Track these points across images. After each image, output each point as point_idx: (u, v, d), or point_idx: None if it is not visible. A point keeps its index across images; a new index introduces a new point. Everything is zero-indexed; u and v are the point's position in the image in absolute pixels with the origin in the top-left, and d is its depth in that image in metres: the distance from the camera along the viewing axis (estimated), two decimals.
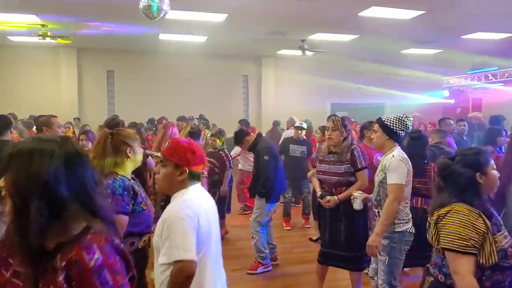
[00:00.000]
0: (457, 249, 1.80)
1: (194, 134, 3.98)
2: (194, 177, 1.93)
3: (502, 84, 11.50)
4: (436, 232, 1.90)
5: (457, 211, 1.86)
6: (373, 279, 3.07)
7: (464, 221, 1.82)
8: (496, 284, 1.82)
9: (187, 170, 1.86)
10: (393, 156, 2.85)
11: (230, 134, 6.83)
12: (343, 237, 3.43)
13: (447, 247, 1.83)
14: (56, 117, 4.15)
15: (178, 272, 1.69)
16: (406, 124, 2.92)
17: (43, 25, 8.50)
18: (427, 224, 2.05)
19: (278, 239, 5.28)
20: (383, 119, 2.96)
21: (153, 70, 12.52)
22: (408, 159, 2.88)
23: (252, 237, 4.46)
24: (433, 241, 1.95)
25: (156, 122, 8.73)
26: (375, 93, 13.75)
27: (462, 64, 12.96)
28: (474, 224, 1.80)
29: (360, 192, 3.17)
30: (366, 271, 3.51)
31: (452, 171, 1.94)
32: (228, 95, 13.17)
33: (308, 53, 10.95)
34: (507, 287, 1.83)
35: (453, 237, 1.82)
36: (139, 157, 2.49)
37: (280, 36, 10.10)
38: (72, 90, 12.01)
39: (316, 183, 3.70)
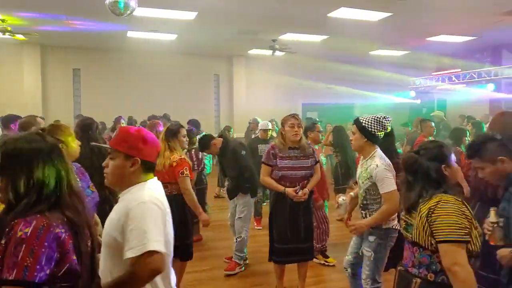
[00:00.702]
0: (457, 239, 1.74)
1: (172, 132, 3.85)
2: (149, 168, 1.75)
3: (465, 85, 11.93)
4: (428, 226, 1.81)
5: (447, 201, 1.82)
6: (347, 270, 3.16)
7: (456, 209, 1.79)
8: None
9: (139, 160, 1.68)
10: (377, 166, 2.82)
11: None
12: (303, 229, 3.59)
13: (446, 239, 1.75)
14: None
15: (147, 265, 1.52)
16: (384, 125, 2.89)
17: (3, 20, 8.14)
18: (404, 223, 2.00)
19: (250, 238, 5.28)
20: (361, 121, 2.91)
21: (121, 69, 12.24)
22: (390, 162, 2.88)
23: (239, 236, 4.40)
24: (420, 237, 1.85)
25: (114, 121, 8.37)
26: (345, 93, 13.98)
27: (427, 65, 13.38)
28: (464, 211, 1.79)
29: (344, 198, 3.17)
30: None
31: (420, 165, 1.94)
32: (199, 95, 13.05)
33: (279, 53, 10.99)
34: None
35: (451, 227, 1.75)
36: (73, 151, 2.53)
37: (251, 35, 10.10)
38: (35, 88, 11.56)
39: (272, 181, 3.56)
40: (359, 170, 3.05)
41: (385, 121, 2.89)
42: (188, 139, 5.54)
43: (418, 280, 1.89)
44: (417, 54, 12.20)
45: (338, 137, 6.19)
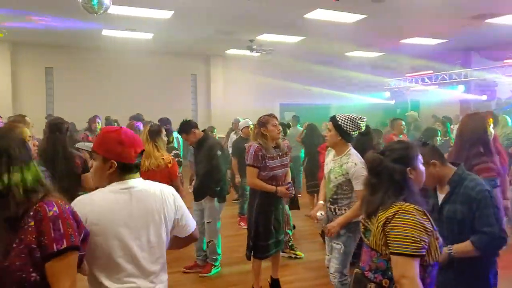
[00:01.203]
0: (409, 253, 1.67)
1: (155, 132, 3.82)
2: (129, 169, 1.74)
3: (437, 86, 12.27)
4: (383, 236, 1.74)
5: (406, 211, 1.73)
6: (328, 268, 3.23)
7: (414, 222, 1.70)
8: (433, 279, 1.82)
9: (116, 163, 1.70)
10: (355, 164, 2.93)
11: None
12: (282, 221, 3.81)
13: (399, 251, 1.69)
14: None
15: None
16: (359, 125, 2.99)
17: None
18: (363, 227, 1.92)
19: (234, 237, 5.31)
20: (337, 119, 3.01)
21: (96, 68, 11.99)
22: (360, 160, 2.95)
23: (211, 241, 4.34)
24: (376, 245, 1.78)
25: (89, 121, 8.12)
26: (322, 94, 14.13)
27: (401, 67, 13.68)
28: (423, 224, 1.70)
29: (322, 213, 3.16)
30: None
31: (385, 167, 1.81)
32: (176, 94, 12.92)
33: (256, 53, 11.02)
34: (432, 282, 1.82)
35: (406, 241, 1.68)
36: None
37: (228, 35, 10.09)
38: (5, 87, 11.18)
39: (262, 183, 3.58)
40: (331, 166, 3.13)
41: (360, 121, 2.99)
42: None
43: (373, 285, 1.82)
44: (392, 55, 12.47)
45: (309, 134, 6.34)
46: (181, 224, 1.85)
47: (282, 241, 3.86)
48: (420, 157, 1.91)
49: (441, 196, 2.31)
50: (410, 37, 10.31)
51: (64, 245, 1.34)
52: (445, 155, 2.65)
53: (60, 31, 9.52)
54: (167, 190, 1.84)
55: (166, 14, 8.13)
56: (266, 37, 10.24)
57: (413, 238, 1.67)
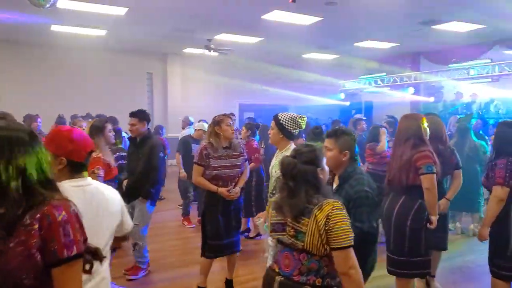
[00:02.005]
0: (351, 244, 1.80)
1: (97, 128, 3.65)
2: (78, 168, 1.81)
3: (389, 88, 12.76)
4: (324, 233, 1.79)
5: (338, 207, 1.83)
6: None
7: (346, 215, 1.84)
8: None
9: (65, 160, 1.76)
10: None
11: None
12: (235, 222, 3.78)
13: (345, 245, 1.78)
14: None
15: None
16: (299, 123, 3.15)
17: None
18: (292, 230, 1.87)
19: (183, 240, 5.22)
20: (279, 117, 3.17)
21: (45, 64, 11.42)
22: None
23: (136, 243, 4.20)
24: (312, 245, 1.81)
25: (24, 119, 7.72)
26: (280, 95, 14.29)
27: (356, 69, 14.11)
28: (348, 216, 1.86)
29: (261, 219, 3.19)
30: None
31: (299, 170, 1.88)
32: (131, 93, 12.57)
33: (214, 52, 10.96)
34: None
35: (347, 233, 1.80)
36: None
37: (185, 33, 9.96)
38: None
39: (205, 181, 3.60)
40: (273, 162, 3.29)
41: (300, 120, 3.17)
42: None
43: None
44: (347, 57, 12.84)
45: (263, 135, 6.47)
46: (122, 223, 1.97)
47: (237, 243, 3.82)
48: (324, 158, 2.03)
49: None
50: (363, 40, 10.66)
51: (75, 251, 1.32)
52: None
53: (4, 25, 8.99)
54: (113, 190, 1.95)
55: (120, 11, 7.89)
56: (224, 37, 10.20)
57: (349, 230, 1.81)
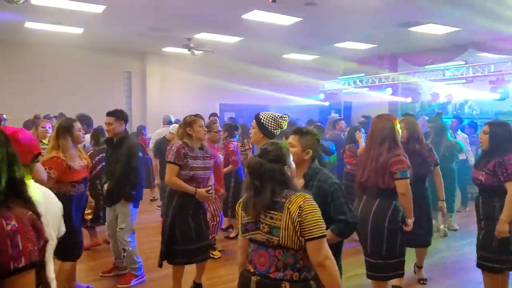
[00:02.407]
0: (324, 234, 1.83)
1: (64, 129, 3.54)
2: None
3: (368, 89, 12.94)
4: (298, 225, 1.81)
5: (309, 198, 1.87)
6: None
7: (316, 206, 1.87)
8: None
9: None
10: None
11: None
12: (204, 228, 3.73)
13: (318, 235, 1.81)
14: None
15: None
16: (281, 124, 3.10)
17: None
18: (267, 227, 1.87)
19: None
20: (260, 117, 3.13)
21: (18, 63, 11.05)
22: None
23: (124, 249, 4.09)
24: (288, 238, 1.82)
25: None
26: (261, 95, 14.29)
27: (335, 69, 14.25)
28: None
29: None
30: None
31: (266, 169, 1.89)
32: (109, 92, 12.32)
33: (194, 52, 10.87)
34: None
35: (319, 224, 1.82)
36: None
37: (164, 33, 9.84)
38: None
39: (181, 182, 3.51)
40: None
41: (281, 120, 3.12)
42: (94, 139, 5.24)
43: (287, 284, 1.85)
44: (326, 58, 12.94)
45: (244, 134, 6.48)
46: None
47: (205, 248, 3.77)
48: (291, 156, 2.05)
49: None
50: (343, 41, 10.76)
51: (23, 263, 1.25)
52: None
53: None
54: (50, 194, 1.90)
55: (98, 9, 7.72)
56: (204, 36, 10.13)
57: (321, 220, 1.85)
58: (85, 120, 6.95)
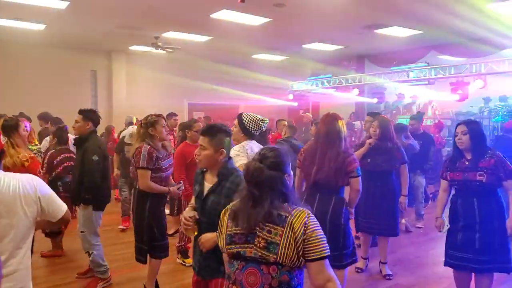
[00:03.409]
0: (328, 255, 1.68)
1: (10, 127, 3.43)
2: None
3: (335, 89, 13.18)
4: (301, 243, 1.64)
5: (311, 215, 1.71)
6: None
7: (318, 224, 1.72)
8: None
9: None
10: (233, 149, 3.14)
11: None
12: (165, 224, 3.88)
13: (323, 255, 1.66)
14: None
15: None
16: (261, 126, 3.29)
17: None
18: (263, 241, 1.67)
19: (127, 243, 5.04)
20: (242, 117, 3.29)
21: None
22: (249, 149, 3.20)
23: (89, 252, 3.99)
24: (287, 256, 1.64)
25: None
26: (230, 95, 14.26)
27: (303, 70, 14.43)
28: None
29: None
30: None
31: (267, 176, 1.71)
32: (73, 91, 11.92)
33: (162, 50, 10.71)
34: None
35: (323, 243, 1.67)
36: None
37: (131, 30, 9.64)
38: None
39: (156, 185, 3.55)
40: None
41: (261, 123, 3.29)
42: (58, 139, 5.06)
43: None
44: (295, 59, 13.08)
45: None
46: (49, 212, 1.98)
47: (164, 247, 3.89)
48: (289, 163, 1.86)
49: (207, 186, 2.37)
50: (311, 42, 10.91)
51: None
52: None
53: None
54: (27, 181, 1.92)
55: (61, 5, 7.47)
56: (172, 35, 10.00)
57: (325, 240, 1.69)
58: (48, 119, 6.81)
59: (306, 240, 1.64)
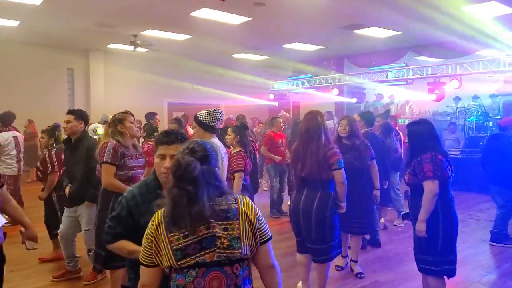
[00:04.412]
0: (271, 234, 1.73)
1: None
2: None
3: (315, 89, 13.27)
4: (257, 231, 1.66)
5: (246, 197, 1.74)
6: None
7: None
8: None
9: None
10: None
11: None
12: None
13: (270, 235, 1.70)
14: None
15: None
16: (216, 116, 3.36)
17: None
18: (226, 241, 1.58)
19: None
20: (198, 115, 3.38)
21: None
22: (222, 147, 3.35)
23: (90, 249, 3.95)
24: (247, 248, 1.62)
25: None
26: (211, 94, 14.19)
27: (284, 70, 14.48)
28: None
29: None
30: None
31: (201, 170, 1.62)
32: (49, 91, 11.65)
33: (140, 49, 10.57)
34: None
35: (266, 224, 1.72)
36: None
37: (109, 28, 9.47)
38: None
39: (120, 184, 3.34)
40: None
41: (216, 113, 3.37)
42: (53, 138, 4.91)
43: None
44: (275, 59, 13.11)
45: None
46: None
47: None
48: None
49: None
50: (291, 42, 10.95)
51: None
52: None
53: None
54: None
55: (35, 1, 7.28)
56: (151, 33, 9.88)
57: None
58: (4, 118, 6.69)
59: (259, 225, 1.66)
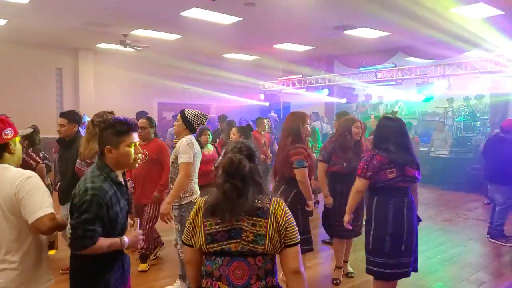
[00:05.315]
0: (299, 241, 1.79)
1: None
2: None
3: (305, 89, 13.32)
4: (284, 230, 1.73)
5: (284, 203, 1.81)
6: (176, 247, 3.73)
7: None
8: None
9: None
10: (182, 141, 3.46)
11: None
12: None
13: (298, 240, 1.76)
14: None
15: None
16: (202, 120, 3.58)
17: None
18: (251, 235, 1.71)
19: None
20: (185, 112, 3.56)
21: None
22: (195, 144, 3.52)
23: None
24: (272, 245, 1.72)
25: None
26: (201, 94, 14.14)
27: (275, 70, 14.50)
28: None
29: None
30: None
31: (249, 168, 1.74)
32: (37, 91, 11.48)
33: (130, 49, 10.48)
34: None
35: (296, 228, 1.77)
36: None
37: (99, 28, 9.38)
38: None
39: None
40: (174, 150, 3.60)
41: (203, 117, 3.58)
42: (26, 141, 4.82)
43: None
44: (266, 59, 13.12)
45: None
46: (24, 212, 1.85)
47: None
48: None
49: None
50: (282, 42, 10.97)
51: None
52: None
53: None
54: (11, 177, 1.88)
55: None
56: (141, 33, 9.80)
57: (296, 227, 1.80)
58: None
59: (287, 225, 1.74)
